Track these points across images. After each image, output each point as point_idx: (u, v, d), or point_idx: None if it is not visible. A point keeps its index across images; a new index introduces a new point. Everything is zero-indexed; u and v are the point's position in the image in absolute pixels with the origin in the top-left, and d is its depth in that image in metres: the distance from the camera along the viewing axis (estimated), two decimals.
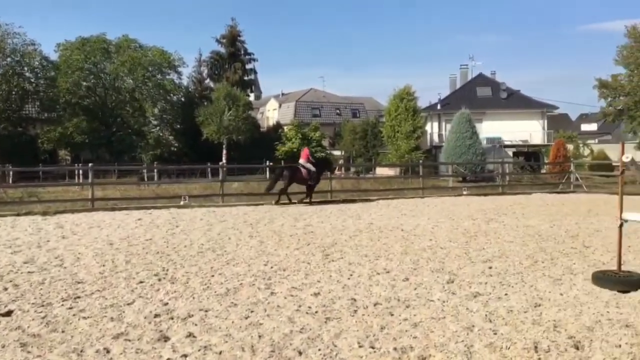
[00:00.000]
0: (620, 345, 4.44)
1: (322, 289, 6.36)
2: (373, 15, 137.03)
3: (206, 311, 5.49)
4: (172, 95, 51.62)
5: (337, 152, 54.71)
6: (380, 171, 41.83)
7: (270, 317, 5.27)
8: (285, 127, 55.25)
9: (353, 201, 18.31)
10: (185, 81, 55.27)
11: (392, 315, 5.32)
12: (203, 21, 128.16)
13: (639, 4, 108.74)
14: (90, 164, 18.96)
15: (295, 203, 17.33)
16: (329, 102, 69.97)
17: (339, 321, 5.14)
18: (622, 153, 6.59)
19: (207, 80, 57.95)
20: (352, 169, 42.51)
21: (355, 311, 5.45)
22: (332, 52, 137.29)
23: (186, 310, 5.53)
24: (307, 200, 17.78)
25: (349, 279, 6.89)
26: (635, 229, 9.95)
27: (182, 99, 53.06)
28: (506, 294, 6.04)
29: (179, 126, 51.87)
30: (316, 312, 5.44)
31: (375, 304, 5.69)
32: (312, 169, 17.81)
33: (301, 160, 18.16)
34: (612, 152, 37.46)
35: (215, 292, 6.25)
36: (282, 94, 74.36)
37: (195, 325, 5.06)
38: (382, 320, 5.13)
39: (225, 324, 5.09)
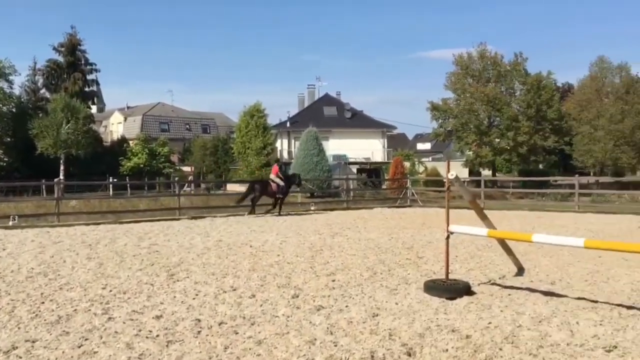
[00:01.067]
0: (447, 350, 4.80)
1: (165, 310, 6.13)
2: (223, 32, 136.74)
3: (33, 342, 5.02)
4: (1, 105, 46.97)
5: (186, 168, 53.46)
6: (231, 187, 41.60)
7: (106, 345, 4.96)
8: (131, 142, 52.88)
9: (202, 218, 17.98)
10: (17, 91, 50.68)
11: (236, 333, 5.28)
12: (39, 28, 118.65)
13: (465, 36, 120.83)
14: None
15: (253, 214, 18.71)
16: (178, 116, 68.35)
17: (181, 344, 4.99)
18: (448, 171, 7.20)
19: (43, 91, 53.64)
20: (203, 185, 41.83)
21: (199, 332, 5.33)
22: (181, 66, 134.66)
23: (10, 342, 5.01)
24: (276, 211, 19.29)
25: (194, 298, 6.72)
26: (461, 240, 10.93)
27: (13, 110, 48.47)
28: (347, 306, 6.29)
29: (9, 139, 47.23)
30: (157, 335, 5.23)
31: (220, 323, 5.61)
32: (281, 183, 19.41)
33: (271, 175, 19.94)
34: (444, 169, 40.82)
35: (45, 320, 5.75)
36: (128, 107, 71.27)
37: (20, 358, 4.62)
38: (226, 340, 5.07)
39: (54, 354, 4.69)
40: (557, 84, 55.77)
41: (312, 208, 22.11)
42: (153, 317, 5.84)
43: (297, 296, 6.79)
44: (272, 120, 49.23)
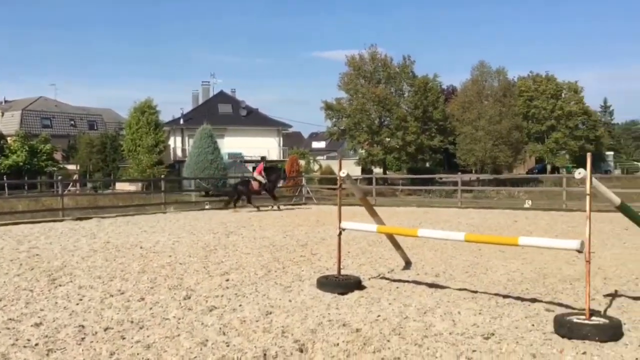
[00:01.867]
0: (338, 344, 4.90)
1: (45, 317, 5.77)
2: (111, 25, 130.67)
3: None
4: None
5: (71, 167, 50.60)
6: (121, 186, 39.95)
7: None
8: (8, 139, 49.16)
9: (89, 219, 17.08)
10: None
11: (124, 338, 5.08)
12: None
13: (357, 38, 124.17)
14: None
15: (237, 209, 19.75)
16: (62, 112, 64.48)
17: (63, 352, 4.72)
18: (340, 169, 7.38)
19: None
20: (89, 185, 39.87)
21: (83, 339, 5.06)
22: (66, 59, 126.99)
23: None
24: (254, 207, 20.18)
25: (77, 304, 6.38)
26: (353, 236, 11.22)
27: None
28: (240, 305, 6.25)
29: None
30: (36, 344, 4.90)
31: (106, 329, 5.36)
32: (264, 180, 20.26)
33: (255, 174, 20.84)
34: (337, 167, 41.72)
35: None
36: (5, 101, 66.23)
37: None
38: (112, 346, 4.86)
39: None
40: (442, 86, 58.96)
41: (207, 207, 21.72)
42: (32, 325, 5.48)
43: (189, 297, 6.66)
44: (164, 117, 47.90)
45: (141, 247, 10.91)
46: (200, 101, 58.08)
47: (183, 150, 50.09)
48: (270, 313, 5.91)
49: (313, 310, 6.01)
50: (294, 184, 29.95)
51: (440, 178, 41.04)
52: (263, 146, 51.74)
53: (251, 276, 7.96)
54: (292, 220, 16.49)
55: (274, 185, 21.11)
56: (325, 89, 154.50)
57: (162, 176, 33.00)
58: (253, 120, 54.68)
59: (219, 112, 53.73)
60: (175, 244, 11.43)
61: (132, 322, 5.62)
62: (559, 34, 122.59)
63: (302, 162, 45.65)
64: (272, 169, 22.44)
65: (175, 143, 51.19)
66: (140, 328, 5.41)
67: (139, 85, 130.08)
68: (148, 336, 5.14)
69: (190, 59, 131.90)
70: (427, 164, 54.76)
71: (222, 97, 57.45)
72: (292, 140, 70.55)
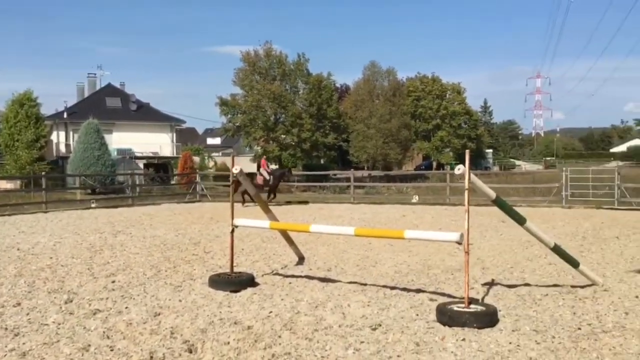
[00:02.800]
0: (229, 343, 4.85)
1: None
2: None
3: None
4: None
5: None
6: None
7: None
8: None
9: None
10: None
11: None
12: None
13: (252, 33, 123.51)
14: None
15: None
16: None
17: None
18: (233, 165, 7.32)
19: None
20: None
21: None
22: None
23: None
24: (271, 199, 20.38)
25: None
26: (248, 233, 11.17)
27: None
28: (127, 307, 6.01)
29: None
30: None
31: None
32: (267, 176, 21.13)
33: (260, 170, 21.93)
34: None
35: None
36: None
37: None
38: None
39: None
40: (336, 84, 60.16)
41: (93, 205, 20.67)
42: None
43: (71, 301, 6.30)
44: (46, 111, 44.89)
45: (18, 249, 10.19)
46: (86, 94, 54.99)
47: (67, 145, 47.21)
48: (159, 314, 5.74)
49: (204, 310, 5.91)
50: (188, 181, 29.26)
51: (334, 174, 41.87)
52: (155, 142, 49.93)
53: (139, 277, 7.68)
54: (185, 218, 16.11)
55: (277, 183, 21.84)
56: (220, 84, 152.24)
57: (44, 173, 31.02)
58: (144, 115, 52.57)
59: (107, 106, 51.18)
60: (57, 245, 10.79)
61: (6, 329, 5.23)
62: (445, 37, 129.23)
63: (196, 159, 44.70)
64: (279, 169, 23.94)
65: (59, 138, 48.17)
66: (16, 335, 5.04)
67: (17, 76, 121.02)
68: (24, 343, 4.81)
69: (74, 49, 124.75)
70: (322, 161, 55.65)
71: (109, 90, 54.75)
72: (186, 136, 68.79)
